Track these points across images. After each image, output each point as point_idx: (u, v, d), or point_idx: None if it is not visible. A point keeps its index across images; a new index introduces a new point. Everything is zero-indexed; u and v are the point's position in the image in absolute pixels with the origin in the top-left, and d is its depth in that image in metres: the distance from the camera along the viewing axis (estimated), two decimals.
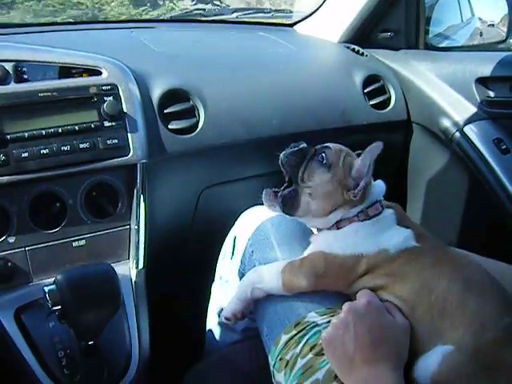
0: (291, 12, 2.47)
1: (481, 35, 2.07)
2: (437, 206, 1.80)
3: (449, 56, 1.82)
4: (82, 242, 1.27)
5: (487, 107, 1.59)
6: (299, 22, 2.10)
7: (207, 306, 1.38)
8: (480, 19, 2.10)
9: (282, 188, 1.08)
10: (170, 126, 1.38)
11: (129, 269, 1.31)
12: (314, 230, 1.15)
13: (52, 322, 1.17)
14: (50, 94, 1.20)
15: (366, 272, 0.99)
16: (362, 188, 1.01)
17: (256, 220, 1.22)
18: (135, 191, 1.30)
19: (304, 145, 1.08)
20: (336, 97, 1.65)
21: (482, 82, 1.60)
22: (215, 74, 1.54)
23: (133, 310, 1.26)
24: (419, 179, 1.81)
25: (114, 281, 1.06)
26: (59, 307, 1.02)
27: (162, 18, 2.44)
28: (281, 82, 1.61)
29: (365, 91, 1.69)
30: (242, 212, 1.29)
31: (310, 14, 2.05)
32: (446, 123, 1.64)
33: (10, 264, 1.20)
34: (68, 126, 1.21)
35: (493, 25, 2.07)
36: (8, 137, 1.16)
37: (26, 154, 1.16)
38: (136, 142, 1.27)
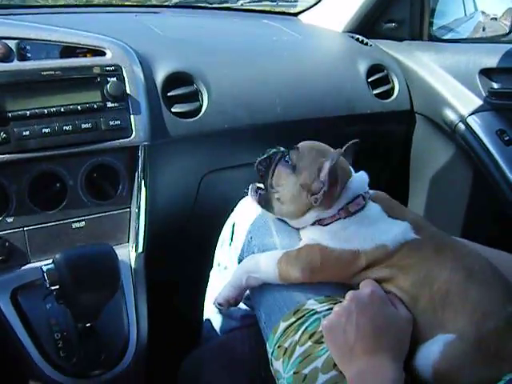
0: (296, 1, 2.47)
1: (483, 30, 2.06)
2: (439, 196, 1.80)
3: (452, 47, 1.81)
4: (82, 224, 1.27)
5: (491, 98, 1.59)
6: (304, 11, 2.09)
7: (205, 292, 1.37)
8: (483, 13, 2.09)
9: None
10: (173, 109, 1.38)
11: (128, 252, 1.31)
12: None
13: (49, 304, 1.16)
14: (53, 72, 1.19)
15: (368, 266, 0.98)
16: (322, 195, 1.00)
17: (255, 207, 1.21)
18: (136, 174, 1.29)
19: (274, 150, 1.10)
20: (340, 85, 1.64)
21: (486, 73, 1.60)
22: (219, 58, 1.54)
23: (131, 293, 1.25)
24: (422, 169, 1.81)
25: (113, 261, 1.05)
26: (57, 287, 1.01)
27: (166, 3, 2.43)
28: (285, 69, 1.60)
29: (369, 80, 1.68)
30: (241, 199, 1.29)
31: (315, 4, 2.04)
32: (449, 114, 1.63)
33: (7, 244, 1.19)
34: (70, 105, 1.20)
35: (495, 18, 2.06)
36: (9, 114, 1.14)
37: (27, 133, 1.15)
38: (138, 124, 1.26)
